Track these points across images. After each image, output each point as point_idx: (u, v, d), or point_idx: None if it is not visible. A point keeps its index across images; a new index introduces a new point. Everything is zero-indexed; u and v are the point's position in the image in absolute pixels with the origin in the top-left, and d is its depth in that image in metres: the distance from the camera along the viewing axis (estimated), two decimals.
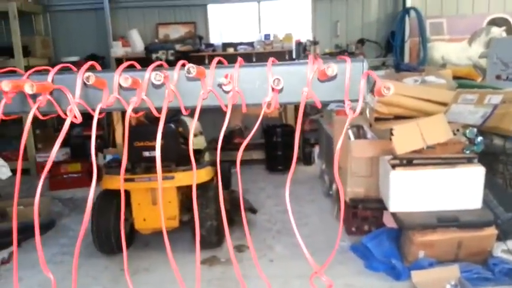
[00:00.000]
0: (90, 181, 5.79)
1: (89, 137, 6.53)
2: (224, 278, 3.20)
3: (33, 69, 0.74)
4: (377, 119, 3.27)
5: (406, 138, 2.73)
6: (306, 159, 6.20)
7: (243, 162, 6.20)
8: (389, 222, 3.36)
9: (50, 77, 0.71)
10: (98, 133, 6.63)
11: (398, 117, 3.27)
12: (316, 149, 6.02)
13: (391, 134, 2.79)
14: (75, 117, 0.69)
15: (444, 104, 3.02)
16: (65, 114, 0.70)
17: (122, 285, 3.19)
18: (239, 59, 0.74)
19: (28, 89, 0.65)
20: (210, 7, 6.93)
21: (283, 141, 5.85)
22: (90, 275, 3.33)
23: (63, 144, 6.58)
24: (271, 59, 0.72)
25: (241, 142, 6.31)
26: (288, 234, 3.87)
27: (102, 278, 3.29)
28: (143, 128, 3.50)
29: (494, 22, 6.80)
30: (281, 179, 5.61)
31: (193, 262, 3.31)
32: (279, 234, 3.89)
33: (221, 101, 0.72)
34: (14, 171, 4.67)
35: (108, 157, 5.78)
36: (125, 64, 0.75)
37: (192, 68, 0.65)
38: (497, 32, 6.71)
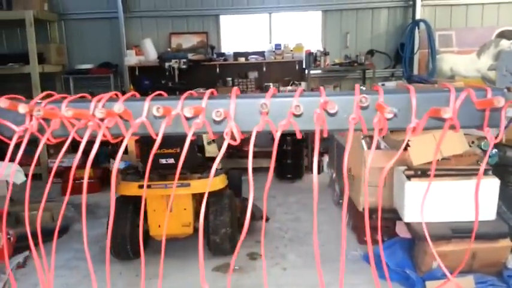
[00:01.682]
0: (103, 187, 5.84)
1: (102, 143, 6.59)
2: (238, 285, 3.23)
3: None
4: (392, 130, 3.31)
5: (423, 149, 2.77)
6: None
7: (253, 170, 6.21)
8: (402, 232, 3.38)
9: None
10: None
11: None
12: (325, 158, 6.06)
13: (408, 145, 2.83)
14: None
15: None
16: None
17: None
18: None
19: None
20: (222, 17, 7.03)
21: (292, 150, 5.90)
22: (105, 281, 3.36)
23: (75, 150, 6.65)
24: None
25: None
26: (300, 243, 3.90)
27: (118, 283, 3.33)
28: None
29: (503, 35, 6.86)
30: (290, 187, 5.66)
31: (208, 268, 3.39)
32: (292, 242, 3.92)
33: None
34: (27, 176, 4.73)
35: (121, 164, 5.85)
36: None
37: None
38: (506, 44, 6.77)
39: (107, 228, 3.46)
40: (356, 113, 0.68)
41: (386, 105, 0.64)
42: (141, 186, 3.39)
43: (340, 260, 2.79)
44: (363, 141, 3.62)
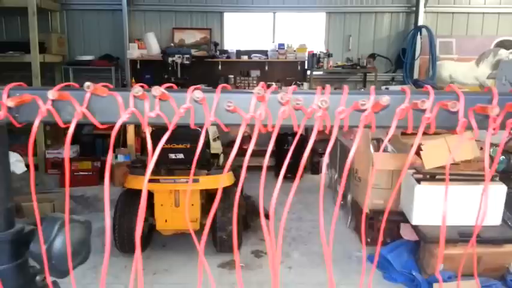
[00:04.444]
0: (102, 179, 5.82)
1: (99, 135, 6.57)
2: (245, 282, 3.22)
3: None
4: (402, 133, 3.36)
5: (434, 154, 2.82)
6: (314, 168, 6.30)
7: (252, 168, 6.27)
8: (406, 234, 3.43)
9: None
10: (109, 132, 6.64)
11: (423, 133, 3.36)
12: (325, 158, 6.10)
13: (420, 149, 2.87)
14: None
15: None
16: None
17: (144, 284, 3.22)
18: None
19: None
20: (226, 15, 7.02)
21: (293, 149, 5.92)
22: (111, 274, 3.35)
23: (73, 141, 6.59)
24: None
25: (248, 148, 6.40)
26: (304, 242, 3.93)
27: (123, 276, 3.32)
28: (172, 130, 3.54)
29: (502, 44, 6.98)
30: (290, 186, 5.66)
31: (213, 265, 3.41)
32: (295, 241, 3.95)
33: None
34: (26, 166, 4.69)
35: (120, 157, 5.82)
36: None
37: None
38: (505, 54, 6.88)
39: (113, 221, 3.45)
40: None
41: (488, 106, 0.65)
42: (150, 180, 3.37)
43: (344, 260, 2.81)
44: (370, 144, 3.66)
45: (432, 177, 3.08)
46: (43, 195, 4.66)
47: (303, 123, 0.68)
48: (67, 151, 0.61)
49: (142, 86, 0.69)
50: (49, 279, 0.67)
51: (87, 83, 0.60)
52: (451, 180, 2.98)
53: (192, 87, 0.65)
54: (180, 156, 3.42)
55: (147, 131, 0.62)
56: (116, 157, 5.78)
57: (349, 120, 0.63)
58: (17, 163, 4.64)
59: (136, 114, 0.62)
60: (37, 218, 0.69)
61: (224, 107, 0.63)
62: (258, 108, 0.62)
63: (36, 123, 0.60)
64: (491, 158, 3.05)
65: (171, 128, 0.64)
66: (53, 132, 6.61)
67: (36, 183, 5.52)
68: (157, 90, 0.60)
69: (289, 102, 0.63)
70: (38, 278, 0.74)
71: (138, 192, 3.46)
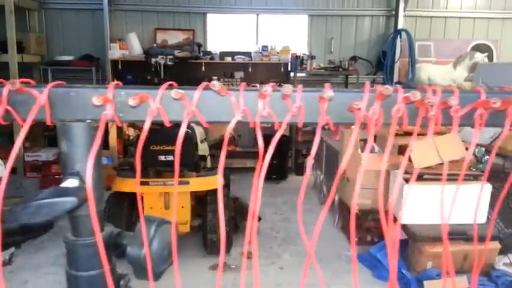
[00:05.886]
0: None
1: None
2: (237, 284, 3.23)
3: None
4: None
5: (423, 154, 2.89)
6: (298, 169, 6.35)
7: (237, 170, 6.30)
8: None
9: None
10: None
11: (407, 133, 3.44)
12: (309, 160, 6.16)
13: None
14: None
15: None
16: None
17: None
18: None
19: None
20: (209, 16, 7.00)
21: (278, 151, 5.95)
22: None
23: (52, 144, 6.43)
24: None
25: (234, 150, 6.40)
26: (293, 243, 3.95)
27: None
28: (160, 132, 3.51)
29: (478, 48, 7.22)
30: (276, 188, 5.71)
31: (204, 267, 3.41)
32: (285, 242, 3.96)
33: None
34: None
35: (103, 159, 5.71)
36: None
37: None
38: (480, 57, 7.11)
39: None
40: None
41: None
42: (140, 183, 3.33)
43: (333, 260, 2.84)
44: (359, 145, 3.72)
45: (420, 177, 3.15)
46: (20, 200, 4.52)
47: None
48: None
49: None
50: (152, 284, 0.67)
51: (214, 82, 0.61)
52: (437, 180, 3.06)
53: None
54: (170, 158, 3.39)
55: (258, 130, 0.62)
56: None
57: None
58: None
59: (248, 113, 0.63)
60: (141, 220, 0.68)
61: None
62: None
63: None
64: (476, 158, 3.15)
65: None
66: (32, 134, 6.43)
67: (15, 187, 5.36)
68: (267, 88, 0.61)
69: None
70: (122, 282, 0.73)
71: (127, 195, 3.42)
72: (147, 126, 0.61)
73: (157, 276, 0.69)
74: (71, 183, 0.65)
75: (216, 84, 0.60)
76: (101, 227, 0.72)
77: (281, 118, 0.63)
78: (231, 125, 0.62)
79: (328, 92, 0.60)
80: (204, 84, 0.63)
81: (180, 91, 0.61)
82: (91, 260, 0.69)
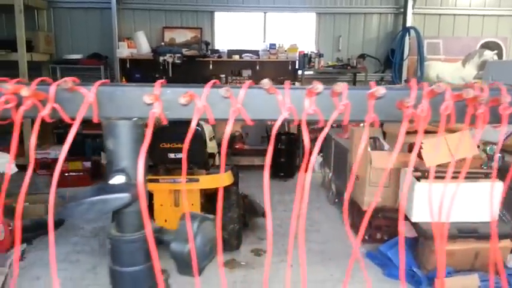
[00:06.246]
0: (93, 180, 5.72)
1: (89, 135, 6.47)
2: (247, 281, 3.24)
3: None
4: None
5: (435, 152, 2.88)
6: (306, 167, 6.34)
7: (245, 168, 6.30)
8: (404, 231, 3.49)
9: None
10: (100, 132, 6.56)
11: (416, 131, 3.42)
12: (317, 158, 6.16)
13: (420, 147, 2.92)
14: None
15: None
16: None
17: None
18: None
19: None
20: (217, 14, 7.01)
21: (286, 149, 5.96)
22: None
23: (61, 141, 6.48)
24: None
25: (242, 148, 6.41)
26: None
27: None
28: (170, 129, 3.52)
29: (487, 45, 7.16)
30: (284, 185, 5.71)
31: (214, 264, 3.39)
32: (295, 239, 3.96)
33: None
34: (17, 166, 4.59)
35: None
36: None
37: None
38: (489, 55, 7.06)
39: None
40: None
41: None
42: (149, 180, 3.34)
43: (344, 257, 2.83)
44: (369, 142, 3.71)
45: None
46: (36, 197, 4.56)
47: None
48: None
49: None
50: (198, 281, 0.67)
51: (264, 80, 0.61)
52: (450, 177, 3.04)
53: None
54: (180, 155, 3.40)
55: (304, 128, 0.62)
56: None
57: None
58: (7, 164, 4.53)
59: (293, 111, 0.63)
60: (186, 217, 0.69)
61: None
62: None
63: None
64: (488, 156, 3.13)
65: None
66: (41, 132, 6.47)
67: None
68: (318, 86, 0.61)
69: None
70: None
71: None
72: (194, 124, 0.61)
73: (199, 271, 0.70)
74: (118, 180, 0.66)
75: (265, 82, 0.60)
76: (143, 223, 0.72)
77: (325, 116, 0.63)
78: (278, 123, 0.62)
79: (380, 89, 0.60)
80: (248, 82, 0.63)
81: (231, 89, 0.61)
82: (135, 256, 0.70)
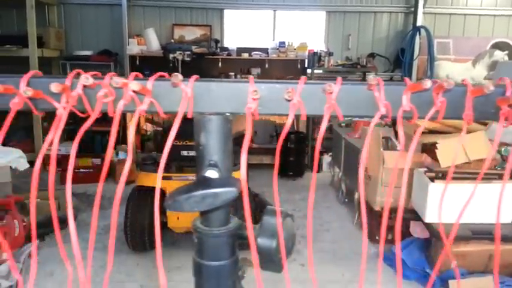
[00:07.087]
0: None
1: (98, 132, 6.49)
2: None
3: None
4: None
5: (450, 152, 2.86)
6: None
7: (254, 166, 6.30)
8: (416, 232, 3.48)
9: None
10: (107, 129, 6.58)
11: (432, 131, 3.41)
12: (326, 157, 6.15)
13: (435, 148, 2.91)
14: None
15: (484, 123, 3.19)
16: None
17: (157, 281, 3.21)
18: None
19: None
20: (227, 11, 7.00)
21: (295, 148, 5.95)
22: (123, 272, 3.33)
23: (71, 138, 6.50)
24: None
25: (251, 146, 6.41)
26: (313, 240, 3.95)
27: (136, 274, 3.30)
28: (183, 126, 3.51)
29: (498, 46, 7.11)
30: (293, 184, 5.72)
31: None
32: (304, 239, 3.94)
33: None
34: (29, 162, 4.62)
35: (121, 154, 5.76)
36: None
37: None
38: (500, 55, 7.00)
39: (125, 219, 3.41)
40: None
41: None
42: (162, 177, 3.35)
43: (355, 258, 2.83)
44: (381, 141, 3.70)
45: (444, 175, 3.12)
46: (46, 193, 4.58)
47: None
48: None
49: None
50: (287, 278, 0.68)
51: (371, 76, 0.62)
52: (463, 178, 3.03)
53: None
54: (192, 153, 3.41)
55: (400, 123, 0.63)
56: (117, 154, 5.72)
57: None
58: (19, 159, 4.56)
59: (388, 108, 0.63)
60: (278, 212, 0.69)
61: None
62: None
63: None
64: (502, 157, 3.11)
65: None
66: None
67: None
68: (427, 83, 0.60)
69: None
70: (239, 273, 0.75)
71: (150, 190, 3.44)
72: (289, 121, 0.61)
73: (282, 267, 0.71)
74: (211, 174, 0.67)
75: (371, 78, 0.61)
76: (227, 218, 0.74)
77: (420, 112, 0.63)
78: (375, 120, 0.62)
79: (490, 86, 0.60)
80: (340, 78, 0.63)
81: (333, 85, 0.61)
82: (220, 250, 0.73)
